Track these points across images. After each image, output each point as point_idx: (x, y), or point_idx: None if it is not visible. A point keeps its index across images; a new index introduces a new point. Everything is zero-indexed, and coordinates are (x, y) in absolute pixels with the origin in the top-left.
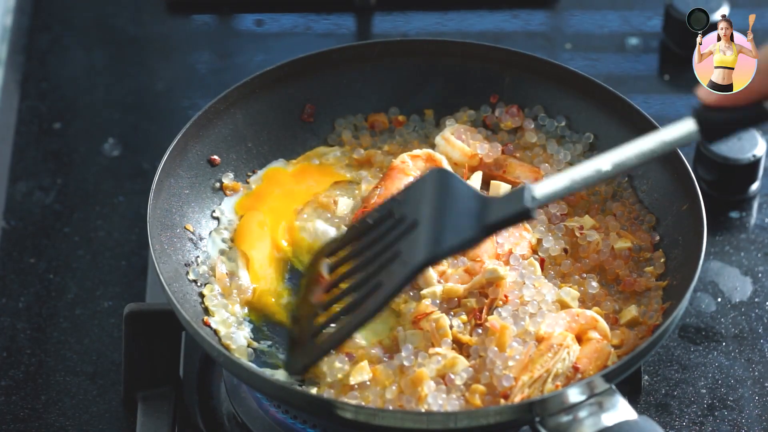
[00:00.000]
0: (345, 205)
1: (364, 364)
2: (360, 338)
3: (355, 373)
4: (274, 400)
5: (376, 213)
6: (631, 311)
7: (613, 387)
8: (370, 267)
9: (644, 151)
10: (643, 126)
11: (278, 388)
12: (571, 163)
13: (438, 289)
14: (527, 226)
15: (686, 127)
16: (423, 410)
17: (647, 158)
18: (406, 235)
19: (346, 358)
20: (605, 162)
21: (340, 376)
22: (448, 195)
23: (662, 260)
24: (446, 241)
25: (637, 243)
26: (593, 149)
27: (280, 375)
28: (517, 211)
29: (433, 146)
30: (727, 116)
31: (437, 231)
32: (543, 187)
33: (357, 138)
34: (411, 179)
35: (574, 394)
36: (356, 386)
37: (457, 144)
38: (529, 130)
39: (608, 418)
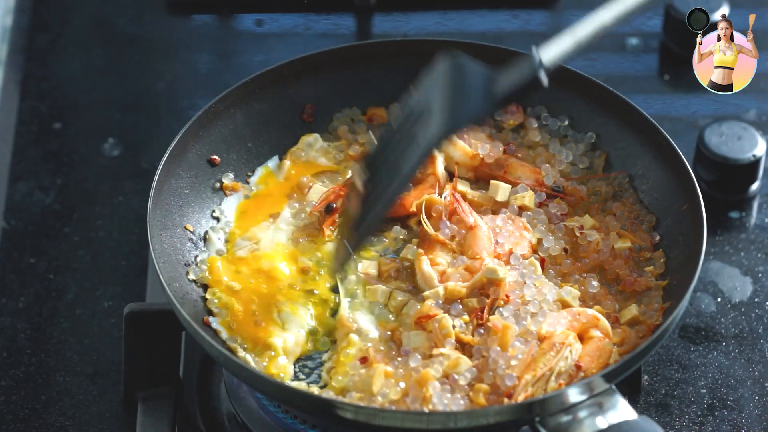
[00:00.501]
0: (316, 192)
1: (382, 369)
2: (371, 326)
3: (376, 381)
4: (274, 401)
5: (397, 116)
6: (632, 310)
7: (613, 387)
8: (393, 156)
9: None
10: (643, 126)
11: (278, 388)
12: (573, 163)
13: (440, 289)
14: (527, 225)
15: None
16: (424, 410)
17: (646, 3)
18: (421, 121)
19: (358, 363)
20: (605, 15)
21: (356, 379)
22: (457, 76)
23: (662, 260)
24: (460, 115)
25: (637, 243)
26: (595, 149)
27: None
28: (526, 79)
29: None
30: None
31: (449, 109)
32: (548, 51)
33: (354, 133)
34: None
35: (574, 394)
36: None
37: (459, 144)
38: (532, 128)
39: (608, 418)
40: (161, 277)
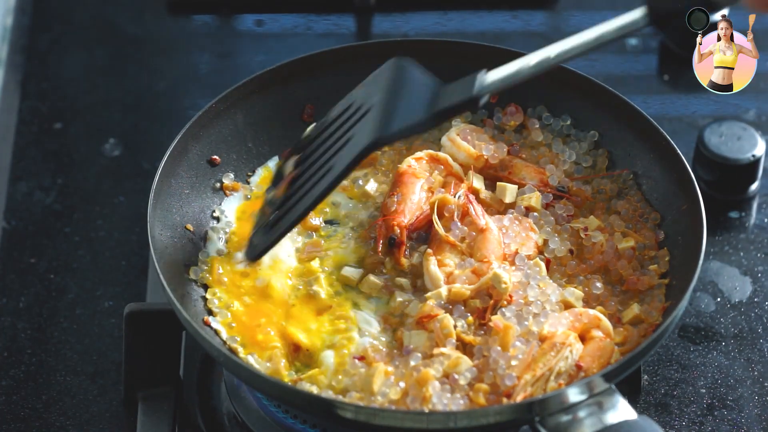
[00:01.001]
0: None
1: (382, 368)
2: (372, 322)
3: (377, 380)
4: (274, 400)
5: (338, 107)
6: (634, 309)
7: (613, 387)
8: (324, 155)
9: (589, 39)
10: (643, 126)
11: (279, 387)
12: (577, 162)
13: (444, 291)
14: (534, 226)
15: (634, 14)
16: (424, 410)
17: (592, 46)
18: (359, 121)
19: (358, 362)
20: (551, 50)
21: (356, 379)
22: (403, 82)
23: (666, 258)
24: (394, 124)
25: (641, 242)
26: (598, 147)
27: None
28: (465, 98)
29: (438, 146)
30: (674, 3)
31: (386, 115)
32: (493, 75)
33: None
34: (422, 181)
35: (574, 394)
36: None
37: (463, 145)
38: (535, 128)
39: (608, 418)
40: (161, 276)
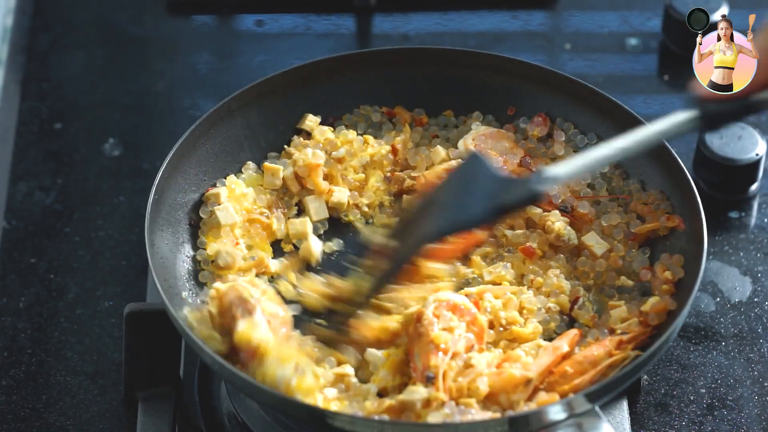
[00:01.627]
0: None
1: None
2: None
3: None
4: (270, 409)
5: (420, 200)
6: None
7: (597, 409)
8: (398, 245)
9: (646, 137)
10: (669, 163)
11: (274, 397)
12: (591, 185)
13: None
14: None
15: (688, 116)
16: (417, 422)
17: (649, 145)
18: (429, 215)
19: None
20: (610, 148)
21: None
22: (472, 177)
23: (681, 265)
24: (453, 217)
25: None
26: (618, 166)
27: None
28: (525, 196)
29: (454, 146)
30: (723, 107)
31: (448, 209)
32: (553, 170)
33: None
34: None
35: (554, 413)
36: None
37: None
38: (559, 141)
39: None
40: (159, 287)
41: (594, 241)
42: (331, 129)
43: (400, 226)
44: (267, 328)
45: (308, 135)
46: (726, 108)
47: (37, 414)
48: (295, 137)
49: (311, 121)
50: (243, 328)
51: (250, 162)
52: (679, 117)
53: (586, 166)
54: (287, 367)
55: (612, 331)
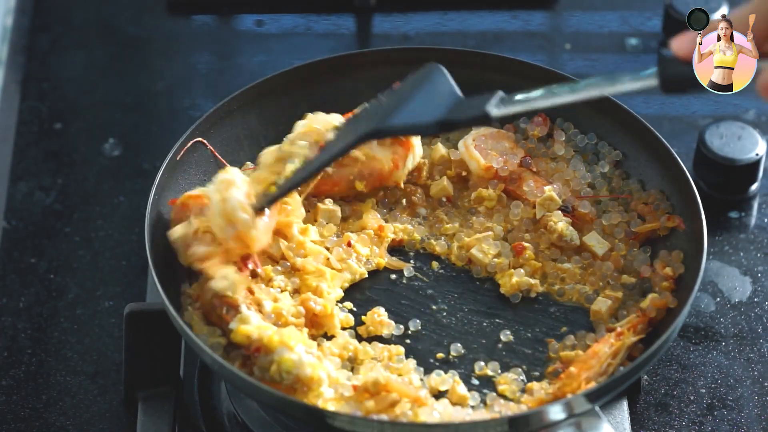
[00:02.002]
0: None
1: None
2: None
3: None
4: (270, 409)
5: (373, 100)
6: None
7: (597, 409)
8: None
9: (603, 84)
10: (668, 163)
11: (274, 397)
12: (592, 185)
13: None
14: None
15: (648, 72)
16: (419, 422)
17: (604, 92)
18: (376, 110)
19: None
20: (563, 86)
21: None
22: (426, 85)
23: (681, 259)
24: (396, 119)
25: (656, 227)
26: (618, 166)
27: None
28: (474, 115)
29: (456, 147)
30: (688, 71)
31: (395, 109)
32: (511, 97)
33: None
34: None
35: (554, 413)
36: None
37: (474, 155)
38: (559, 141)
39: None
40: (158, 285)
41: (595, 241)
42: None
43: (345, 122)
44: (259, 317)
45: None
46: (693, 72)
47: (37, 414)
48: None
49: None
50: (236, 327)
51: (249, 162)
52: (640, 72)
53: (540, 97)
54: (298, 350)
55: (611, 330)
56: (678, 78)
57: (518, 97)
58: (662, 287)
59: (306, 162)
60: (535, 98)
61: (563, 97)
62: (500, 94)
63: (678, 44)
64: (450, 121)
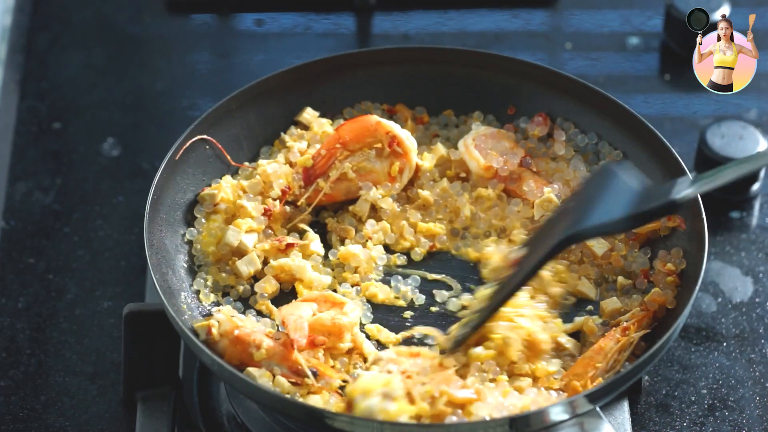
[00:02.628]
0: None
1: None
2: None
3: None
4: (270, 410)
5: (559, 206)
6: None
7: (597, 409)
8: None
9: None
10: (669, 163)
11: (274, 398)
12: None
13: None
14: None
15: None
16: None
17: None
18: (563, 218)
19: None
20: (758, 160)
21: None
22: (607, 184)
23: (681, 255)
24: (589, 221)
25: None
26: None
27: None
28: (663, 203)
29: (456, 148)
30: None
31: (585, 212)
32: (693, 180)
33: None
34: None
35: (555, 413)
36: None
37: (474, 154)
38: (560, 141)
39: None
40: (157, 285)
41: (595, 241)
42: (330, 122)
43: (533, 235)
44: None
45: (305, 128)
46: None
47: (36, 415)
48: (292, 127)
49: (309, 114)
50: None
51: (247, 162)
52: None
53: (729, 176)
54: (374, 397)
55: (613, 325)
56: None
57: (703, 179)
58: (667, 282)
59: (502, 283)
60: (720, 176)
61: (740, 170)
62: (688, 178)
63: None
64: (641, 213)
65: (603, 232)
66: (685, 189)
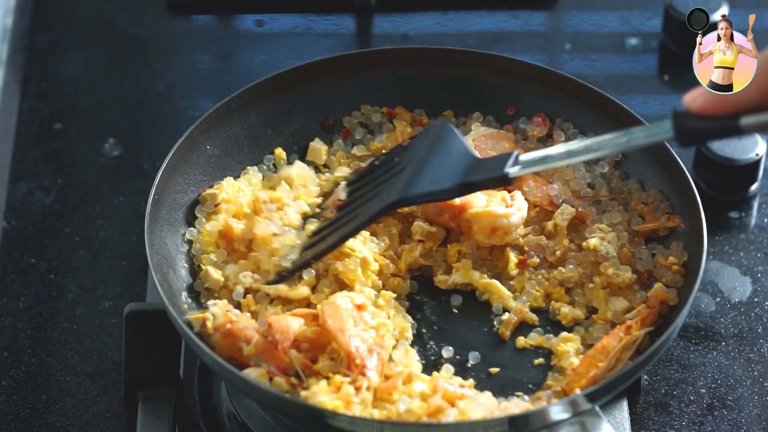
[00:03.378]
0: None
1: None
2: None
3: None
4: (271, 409)
5: (383, 156)
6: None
7: (597, 409)
8: (357, 202)
9: (619, 142)
10: (668, 163)
11: (275, 397)
12: (592, 185)
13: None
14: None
15: (663, 127)
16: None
17: (621, 148)
18: (392, 177)
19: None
20: (580, 144)
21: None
22: (441, 147)
23: (681, 248)
24: (418, 187)
25: (656, 226)
26: (618, 166)
27: None
28: (495, 175)
29: None
30: (702, 125)
31: (415, 177)
32: (525, 156)
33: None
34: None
35: (556, 413)
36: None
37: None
38: (559, 141)
39: None
40: (158, 285)
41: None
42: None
43: (359, 178)
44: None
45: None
46: (707, 126)
47: (37, 414)
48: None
49: (300, 167)
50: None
51: (248, 165)
52: (656, 127)
53: (558, 156)
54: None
55: (615, 324)
56: (693, 132)
57: (535, 156)
58: (673, 272)
59: (324, 224)
60: (553, 157)
61: (580, 155)
62: (516, 153)
63: (690, 99)
64: (471, 183)
65: (432, 199)
66: (519, 164)
